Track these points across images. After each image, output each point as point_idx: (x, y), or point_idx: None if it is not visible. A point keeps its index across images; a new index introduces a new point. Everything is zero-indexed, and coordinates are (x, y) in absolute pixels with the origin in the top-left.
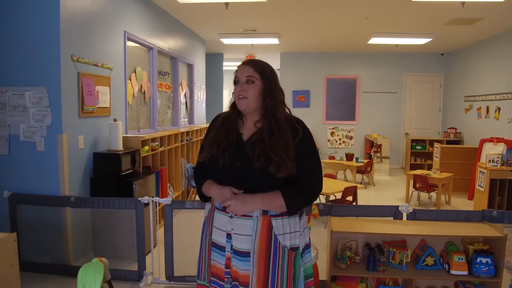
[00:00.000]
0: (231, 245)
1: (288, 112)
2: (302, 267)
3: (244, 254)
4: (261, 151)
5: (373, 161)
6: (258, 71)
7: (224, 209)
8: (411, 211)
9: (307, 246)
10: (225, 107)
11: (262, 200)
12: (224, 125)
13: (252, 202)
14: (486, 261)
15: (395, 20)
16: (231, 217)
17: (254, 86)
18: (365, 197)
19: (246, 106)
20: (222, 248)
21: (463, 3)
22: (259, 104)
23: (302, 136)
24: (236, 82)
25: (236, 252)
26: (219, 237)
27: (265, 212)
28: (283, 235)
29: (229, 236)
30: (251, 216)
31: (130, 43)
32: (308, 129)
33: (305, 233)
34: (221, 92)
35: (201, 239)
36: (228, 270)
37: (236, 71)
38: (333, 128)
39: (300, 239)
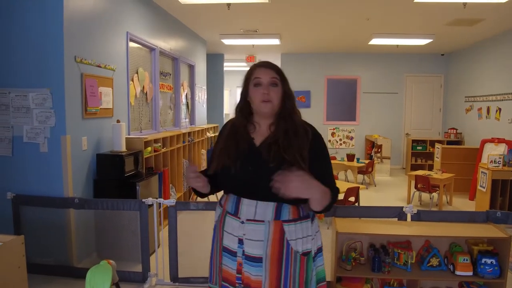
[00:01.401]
0: (243, 251)
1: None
2: (314, 271)
3: (256, 260)
4: (275, 152)
5: (374, 162)
6: (279, 73)
7: (235, 214)
8: (416, 212)
9: (319, 250)
10: (225, 107)
11: (321, 188)
12: (232, 133)
13: (315, 184)
14: (491, 262)
15: (396, 21)
16: (242, 222)
17: (278, 90)
18: (366, 198)
19: (271, 110)
20: (233, 254)
21: (464, 4)
22: (279, 108)
23: (318, 140)
24: (257, 85)
25: (248, 258)
26: (230, 242)
27: (277, 217)
28: (296, 241)
29: (240, 241)
30: (263, 221)
31: (132, 44)
32: (320, 134)
33: (317, 237)
34: (222, 93)
35: (212, 243)
36: (240, 275)
37: (253, 72)
38: (333, 129)
39: (312, 243)
